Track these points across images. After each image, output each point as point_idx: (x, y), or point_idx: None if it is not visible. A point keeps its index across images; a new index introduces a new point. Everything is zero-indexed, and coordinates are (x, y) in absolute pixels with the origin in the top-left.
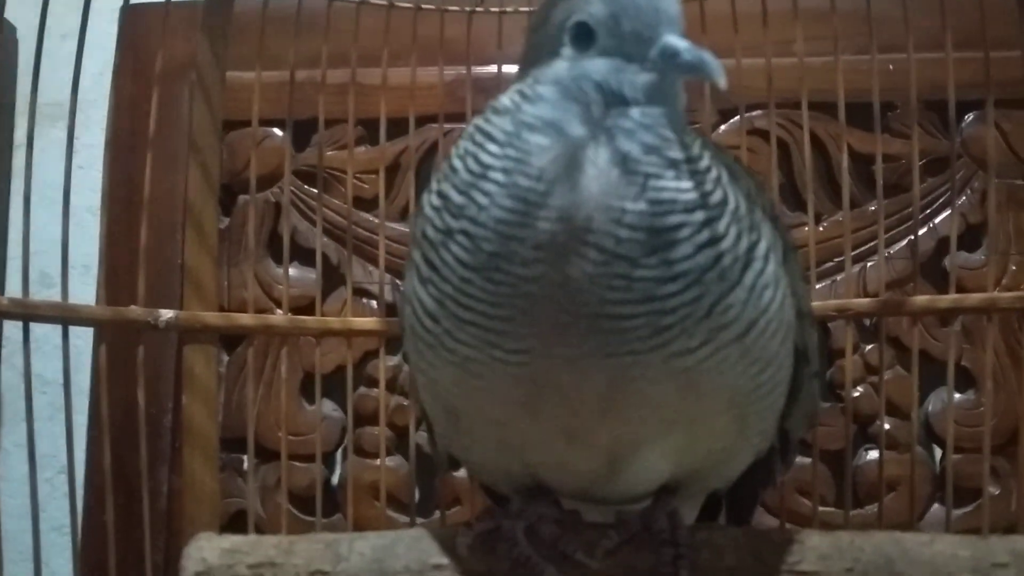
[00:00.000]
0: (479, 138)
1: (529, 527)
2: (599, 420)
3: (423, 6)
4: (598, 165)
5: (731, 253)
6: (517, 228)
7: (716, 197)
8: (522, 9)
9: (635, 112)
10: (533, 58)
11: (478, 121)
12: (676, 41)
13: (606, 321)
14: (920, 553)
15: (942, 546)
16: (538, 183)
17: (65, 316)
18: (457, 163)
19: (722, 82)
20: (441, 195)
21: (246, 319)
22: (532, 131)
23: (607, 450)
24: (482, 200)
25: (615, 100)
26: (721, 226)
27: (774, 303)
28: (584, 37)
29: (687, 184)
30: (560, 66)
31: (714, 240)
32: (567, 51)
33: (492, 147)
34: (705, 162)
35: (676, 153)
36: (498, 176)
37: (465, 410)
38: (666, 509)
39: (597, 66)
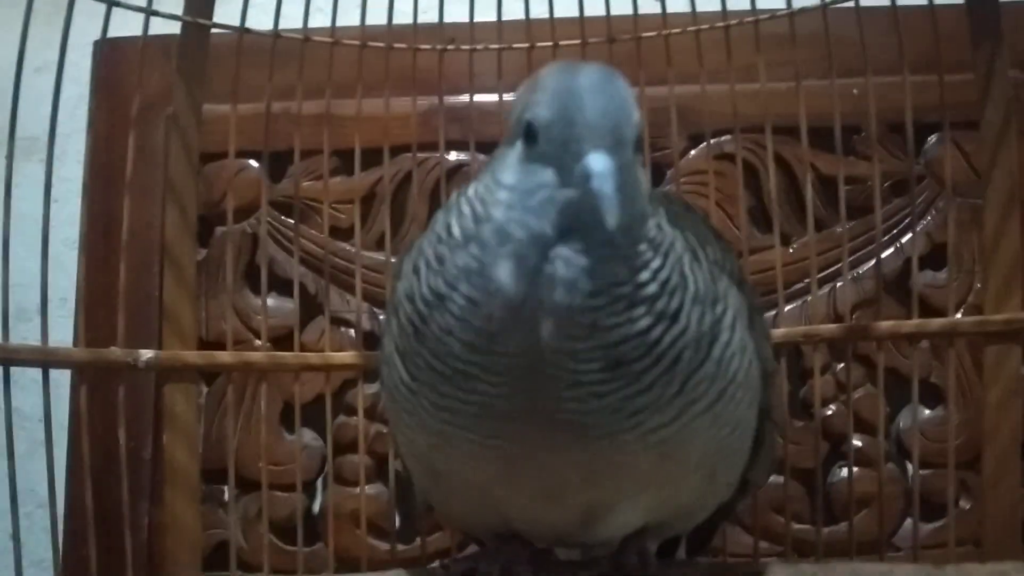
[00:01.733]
0: (434, 261)
1: (504, 568)
2: (576, 488)
3: (395, 45)
4: (549, 308)
5: (695, 334)
6: (477, 357)
7: (673, 283)
8: (492, 47)
9: (571, 255)
10: (506, 137)
11: (447, 217)
12: (594, 163)
13: (580, 417)
14: None
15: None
16: (489, 323)
17: (45, 360)
18: (423, 266)
19: (610, 222)
20: (414, 288)
21: (225, 357)
22: (480, 273)
23: (583, 509)
24: (442, 321)
25: (542, 224)
26: (682, 316)
27: (740, 370)
28: (532, 136)
29: (641, 299)
30: (509, 172)
31: (676, 332)
32: (519, 146)
33: (440, 284)
34: (661, 252)
35: (624, 271)
36: (453, 308)
37: (445, 472)
38: (636, 548)
39: (540, 176)
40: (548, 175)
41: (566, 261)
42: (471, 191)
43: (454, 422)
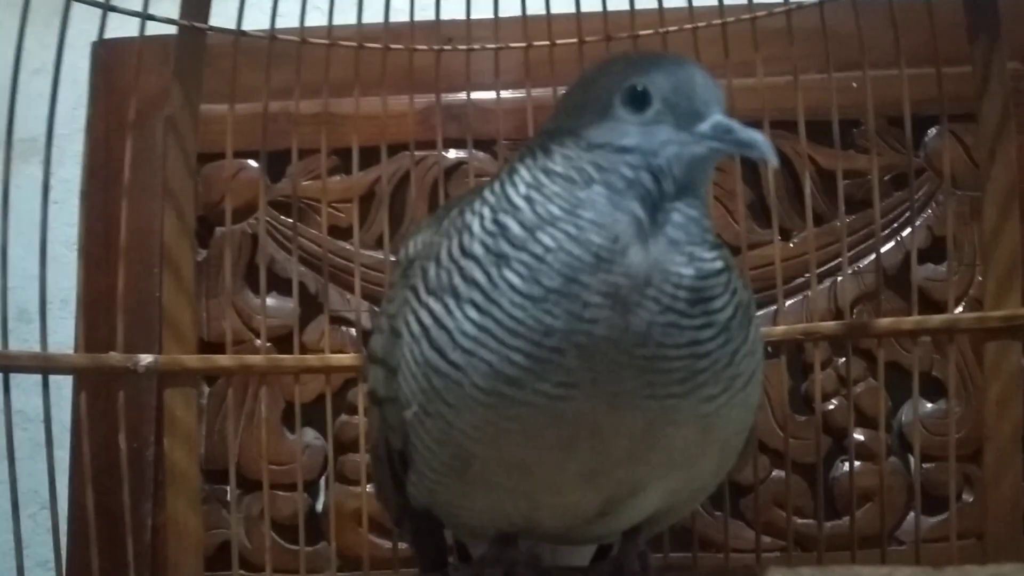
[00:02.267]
0: (539, 196)
1: (507, 572)
2: (622, 463)
3: (392, 46)
4: (658, 243)
5: (744, 308)
6: (585, 275)
7: (729, 263)
8: (489, 46)
9: (681, 207)
10: (577, 117)
11: (533, 173)
12: (727, 120)
13: (655, 362)
14: None
15: None
16: (614, 244)
17: (45, 366)
18: (519, 201)
19: (773, 161)
20: (498, 224)
21: (224, 360)
22: (595, 208)
23: (610, 493)
24: (548, 242)
25: (665, 178)
26: (735, 287)
27: (761, 357)
28: (638, 101)
29: (713, 255)
30: (620, 128)
31: (734, 297)
32: (622, 112)
33: (554, 208)
34: (714, 235)
35: (706, 233)
36: (568, 228)
37: (483, 455)
38: (635, 551)
39: (661, 135)
40: (671, 133)
41: (678, 210)
42: (531, 170)
43: (524, 369)
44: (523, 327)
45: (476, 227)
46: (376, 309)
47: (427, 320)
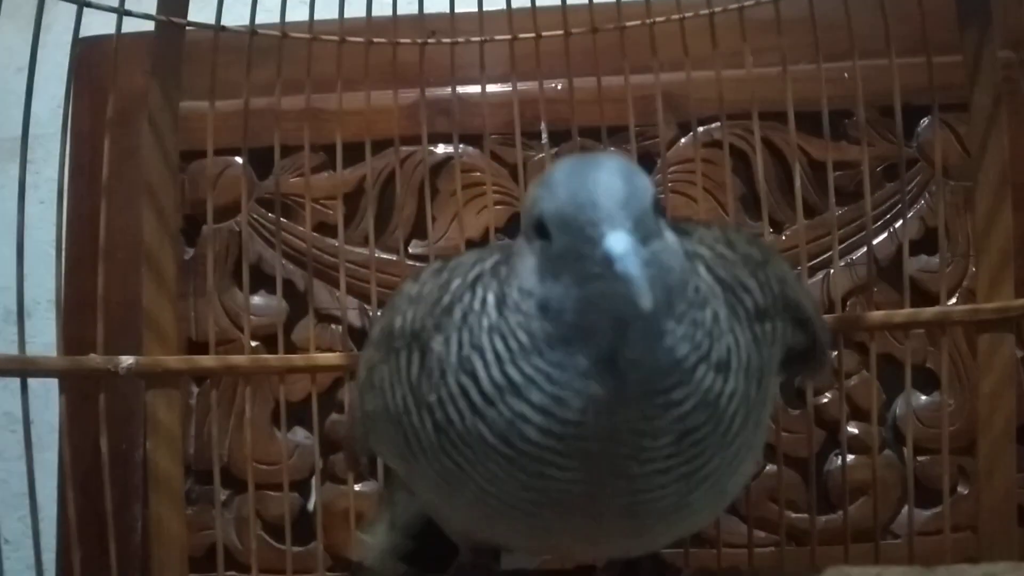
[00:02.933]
0: (502, 348)
1: None
2: (603, 554)
3: (375, 40)
4: (626, 392)
5: (742, 395)
6: (553, 442)
7: (718, 335)
8: (473, 39)
9: (633, 342)
10: (523, 240)
11: (500, 309)
12: (616, 245)
13: (635, 507)
14: None
15: None
16: (578, 415)
17: (24, 368)
18: (485, 343)
19: (644, 304)
20: (469, 371)
21: (208, 361)
22: (548, 382)
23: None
24: (515, 409)
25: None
26: (731, 376)
27: (762, 438)
28: (544, 233)
29: (699, 359)
30: (538, 273)
31: (729, 390)
32: (535, 245)
33: (514, 374)
34: (702, 306)
35: (682, 342)
36: (528, 402)
37: (460, 525)
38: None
39: (564, 278)
40: (568, 276)
41: (632, 349)
42: (498, 305)
43: (502, 499)
44: (496, 478)
45: (453, 355)
46: (365, 307)
47: (400, 409)
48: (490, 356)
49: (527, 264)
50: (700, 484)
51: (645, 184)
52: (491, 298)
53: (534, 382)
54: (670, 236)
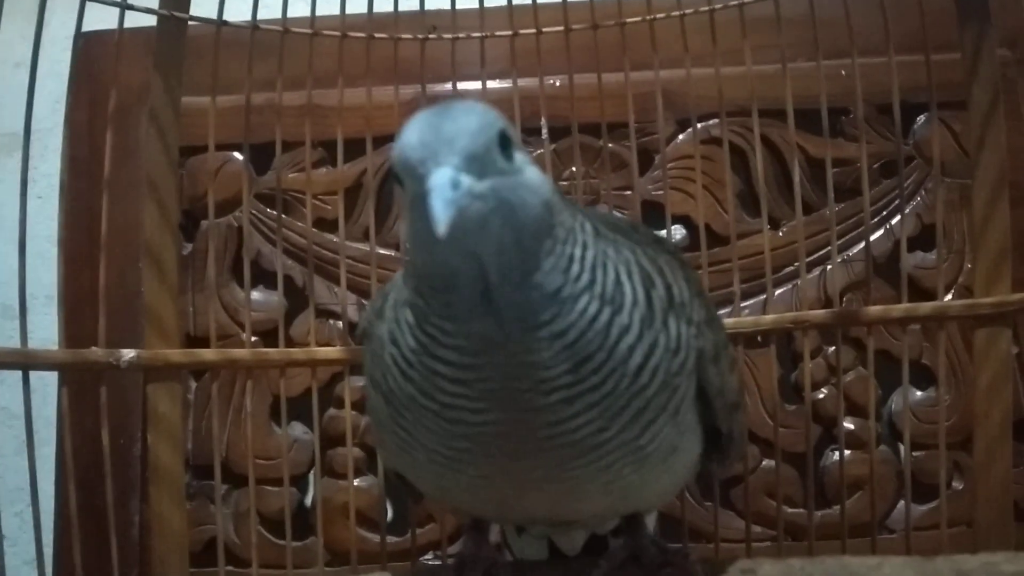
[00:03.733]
0: (404, 318)
1: (486, 572)
2: (554, 516)
3: (376, 35)
4: (508, 330)
5: (669, 356)
6: (459, 388)
7: (605, 277)
8: (474, 35)
9: (509, 279)
10: None
11: (401, 287)
12: (432, 179)
13: (555, 439)
14: None
15: (890, 569)
16: (464, 358)
17: (25, 362)
18: (401, 318)
19: (440, 230)
20: (393, 340)
21: (209, 355)
22: (432, 332)
23: (563, 522)
24: (428, 366)
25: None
26: (624, 312)
27: (692, 422)
28: (399, 180)
29: (581, 289)
30: (405, 223)
31: (653, 347)
32: (400, 193)
33: (409, 339)
34: (581, 246)
35: (550, 267)
36: (430, 355)
37: (435, 493)
38: (648, 539)
39: (414, 218)
40: (420, 221)
41: (498, 287)
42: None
43: (444, 470)
44: (434, 434)
45: (386, 335)
46: (363, 302)
47: (372, 405)
48: (404, 325)
49: (404, 221)
50: (613, 420)
51: (487, 122)
52: (401, 279)
53: (434, 338)
54: (531, 173)
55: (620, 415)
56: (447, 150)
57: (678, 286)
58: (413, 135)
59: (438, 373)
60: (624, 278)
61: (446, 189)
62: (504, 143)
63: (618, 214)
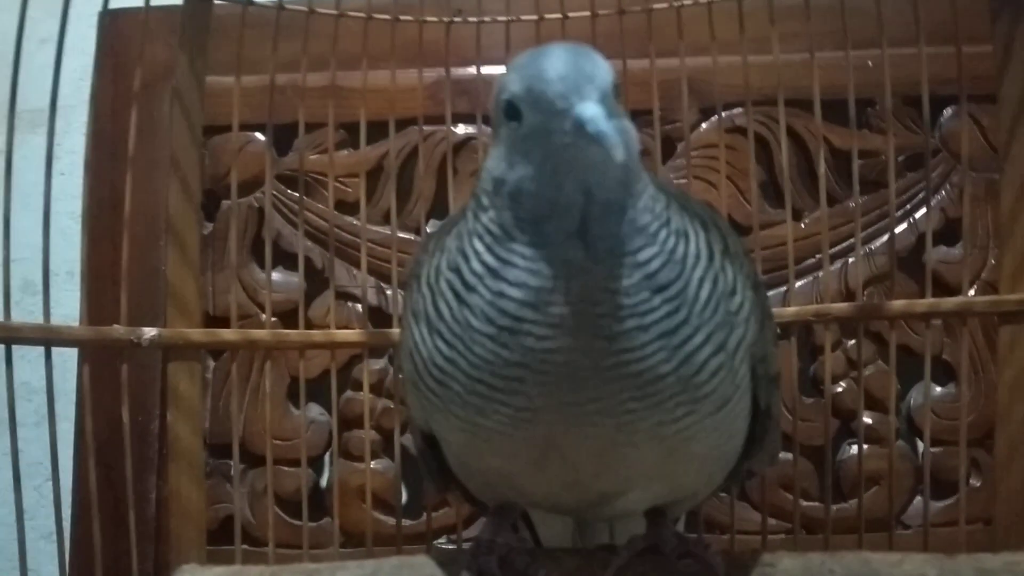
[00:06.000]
0: (480, 245)
1: (501, 558)
2: (593, 477)
3: (401, 17)
4: (597, 262)
5: (726, 299)
6: (530, 313)
7: (706, 248)
8: (500, 19)
9: (608, 212)
10: (493, 130)
11: (475, 212)
12: (585, 111)
13: (619, 369)
14: (889, 573)
15: (911, 566)
16: (550, 284)
17: (48, 337)
18: (467, 248)
19: (618, 155)
20: (456, 269)
21: (229, 334)
22: (517, 264)
23: (598, 494)
24: (494, 289)
25: (564, 200)
26: (717, 274)
27: (745, 380)
28: (514, 114)
29: (660, 229)
30: (505, 154)
31: (714, 287)
32: (503, 130)
33: (490, 260)
34: (661, 200)
35: (653, 226)
36: (504, 281)
37: (474, 463)
38: (669, 530)
39: (535, 151)
40: (537, 152)
41: (598, 221)
42: (474, 210)
43: (487, 397)
44: (484, 361)
45: (443, 264)
46: (383, 286)
47: (411, 341)
48: (470, 252)
49: (496, 153)
50: (676, 351)
51: (608, 67)
52: (470, 213)
53: (509, 262)
54: (628, 122)
55: (684, 346)
56: (590, 87)
57: (731, 238)
58: (551, 69)
59: (507, 296)
60: (687, 218)
61: (604, 120)
62: (616, 88)
63: None
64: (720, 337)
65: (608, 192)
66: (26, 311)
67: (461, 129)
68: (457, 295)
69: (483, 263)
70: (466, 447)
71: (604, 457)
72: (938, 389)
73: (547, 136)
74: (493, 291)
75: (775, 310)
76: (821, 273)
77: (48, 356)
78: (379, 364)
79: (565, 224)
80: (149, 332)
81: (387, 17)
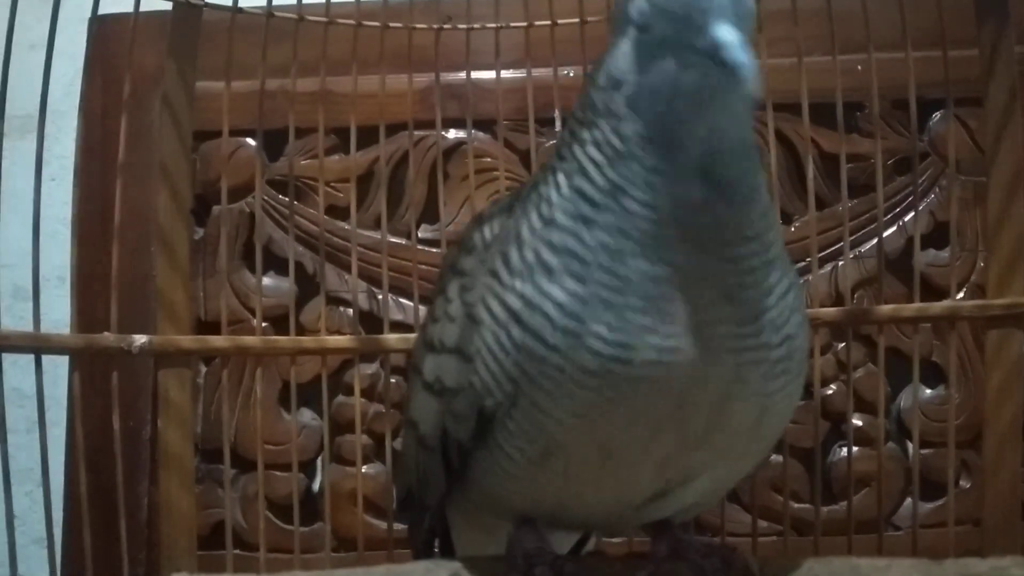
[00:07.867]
0: (601, 158)
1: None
2: (693, 445)
3: (391, 24)
4: (720, 185)
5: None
6: (665, 227)
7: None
8: (489, 25)
9: (721, 135)
10: (609, 40)
11: (592, 133)
12: (723, 33)
13: (743, 276)
14: None
15: (898, 571)
16: (674, 205)
17: (37, 346)
18: (588, 165)
19: (752, 89)
20: (575, 189)
21: (220, 342)
22: (636, 183)
23: (671, 479)
24: (624, 205)
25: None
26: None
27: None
28: (642, 20)
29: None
30: (621, 62)
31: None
32: (631, 33)
33: (614, 175)
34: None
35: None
36: (631, 198)
37: (571, 444)
38: (687, 537)
39: (664, 64)
40: (666, 64)
41: (725, 157)
42: (591, 128)
43: (634, 324)
44: (628, 284)
45: (554, 196)
46: (374, 290)
47: (516, 304)
48: (589, 165)
49: (619, 50)
50: (774, 288)
51: None
52: (570, 134)
53: (634, 183)
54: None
55: (779, 284)
56: (730, 8)
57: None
58: None
59: (638, 215)
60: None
61: (741, 49)
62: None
63: None
64: (799, 300)
65: (739, 130)
66: (17, 316)
67: (451, 134)
68: (584, 219)
69: (606, 178)
70: (577, 419)
71: (718, 413)
72: (927, 391)
73: (678, 51)
74: (623, 207)
75: None
76: (810, 277)
77: (38, 364)
78: (371, 369)
79: (688, 158)
80: (139, 340)
81: (377, 24)
